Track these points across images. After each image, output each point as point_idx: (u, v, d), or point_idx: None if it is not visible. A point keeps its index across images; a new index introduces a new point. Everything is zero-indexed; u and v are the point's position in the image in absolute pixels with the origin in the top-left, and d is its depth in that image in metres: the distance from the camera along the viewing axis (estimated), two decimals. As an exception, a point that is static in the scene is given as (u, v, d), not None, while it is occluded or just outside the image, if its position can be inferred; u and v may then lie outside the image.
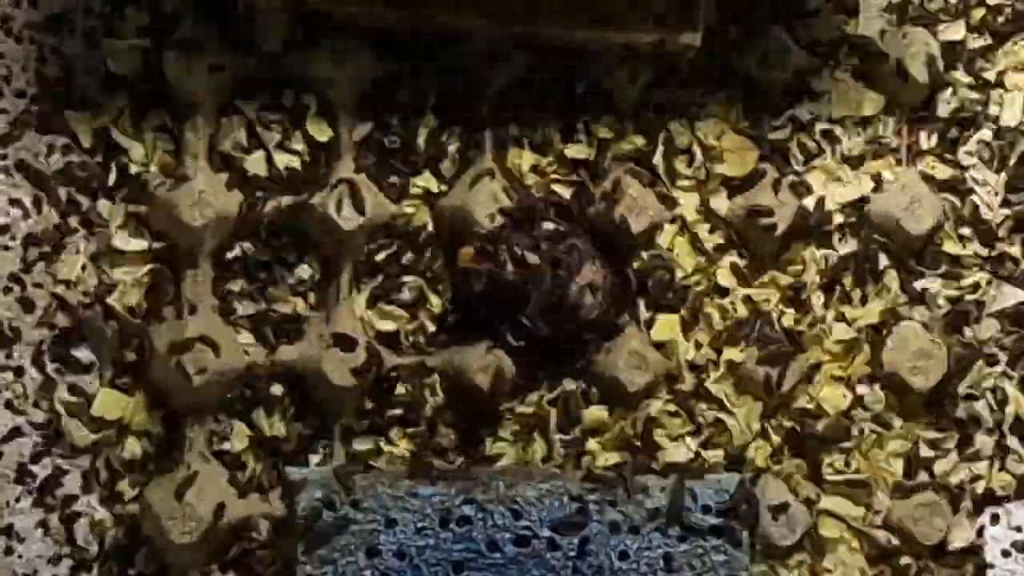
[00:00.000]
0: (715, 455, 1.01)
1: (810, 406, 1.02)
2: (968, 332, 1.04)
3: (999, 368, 1.04)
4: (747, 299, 1.02)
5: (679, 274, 1.02)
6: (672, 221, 1.02)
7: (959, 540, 1.03)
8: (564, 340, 0.99)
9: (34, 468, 1.01)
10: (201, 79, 1.02)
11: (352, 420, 1.01)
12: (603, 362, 1.00)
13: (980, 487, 1.03)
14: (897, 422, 1.03)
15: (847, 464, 1.02)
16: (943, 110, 1.05)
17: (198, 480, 0.99)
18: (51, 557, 1.01)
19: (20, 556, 1.01)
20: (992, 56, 1.06)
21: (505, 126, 1.03)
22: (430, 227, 1.02)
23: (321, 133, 1.02)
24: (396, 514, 0.97)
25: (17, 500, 1.01)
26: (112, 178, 1.03)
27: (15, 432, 1.01)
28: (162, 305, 1.02)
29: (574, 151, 1.02)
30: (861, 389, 1.03)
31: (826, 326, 1.02)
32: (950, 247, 1.04)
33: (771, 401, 1.01)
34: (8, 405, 1.01)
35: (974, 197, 1.05)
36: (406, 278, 1.01)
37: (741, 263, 1.02)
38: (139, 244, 1.02)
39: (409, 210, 1.02)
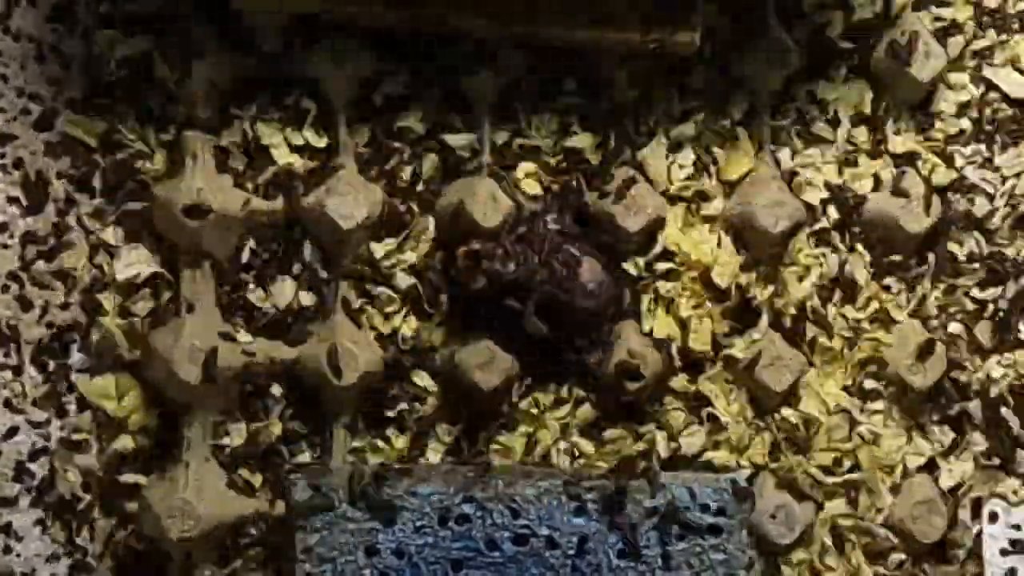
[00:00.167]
0: (714, 454, 1.01)
1: (809, 405, 1.02)
2: (967, 331, 1.04)
3: (998, 368, 1.04)
4: (746, 298, 1.02)
5: (678, 273, 1.02)
6: (670, 220, 1.02)
7: (958, 539, 1.03)
8: (564, 340, 1.00)
9: (32, 467, 1.01)
10: (201, 79, 1.02)
11: (352, 419, 1.01)
12: (602, 361, 1.00)
13: (979, 486, 1.03)
14: (896, 421, 1.03)
15: (846, 463, 1.02)
16: (943, 109, 1.06)
17: (197, 479, 0.99)
18: (50, 556, 1.01)
19: (19, 555, 1.01)
20: (993, 54, 1.06)
21: (504, 126, 1.03)
22: (430, 227, 1.02)
23: (320, 133, 1.03)
24: (395, 513, 0.97)
25: (16, 498, 1.01)
26: (111, 177, 1.03)
27: (14, 431, 1.01)
28: (161, 304, 1.02)
29: (573, 151, 1.03)
30: (860, 388, 1.03)
31: (825, 325, 1.03)
32: (949, 246, 1.05)
33: (770, 399, 1.01)
34: (7, 404, 1.01)
35: (973, 196, 1.05)
36: (406, 277, 1.01)
37: (740, 262, 1.03)
38: (138, 244, 1.02)
39: (408, 210, 1.02)
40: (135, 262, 1.02)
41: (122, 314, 1.01)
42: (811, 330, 1.03)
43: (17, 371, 1.01)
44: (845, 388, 1.03)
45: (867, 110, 1.05)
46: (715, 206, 1.03)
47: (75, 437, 1.01)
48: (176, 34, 1.02)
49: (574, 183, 1.02)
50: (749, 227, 1.02)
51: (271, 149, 1.02)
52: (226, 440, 1.00)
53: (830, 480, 1.01)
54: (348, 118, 1.03)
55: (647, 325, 1.01)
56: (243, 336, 1.01)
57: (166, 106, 1.03)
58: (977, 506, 1.03)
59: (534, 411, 1.01)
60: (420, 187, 1.03)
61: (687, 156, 1.04)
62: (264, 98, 1.03)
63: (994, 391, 1.04)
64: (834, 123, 1.05)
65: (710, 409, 1.01)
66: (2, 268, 1.02)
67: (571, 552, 0.98)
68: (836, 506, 1.02)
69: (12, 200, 1.03)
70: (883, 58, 1.04)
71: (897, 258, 1.04)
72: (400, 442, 1.01)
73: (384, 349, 1.01)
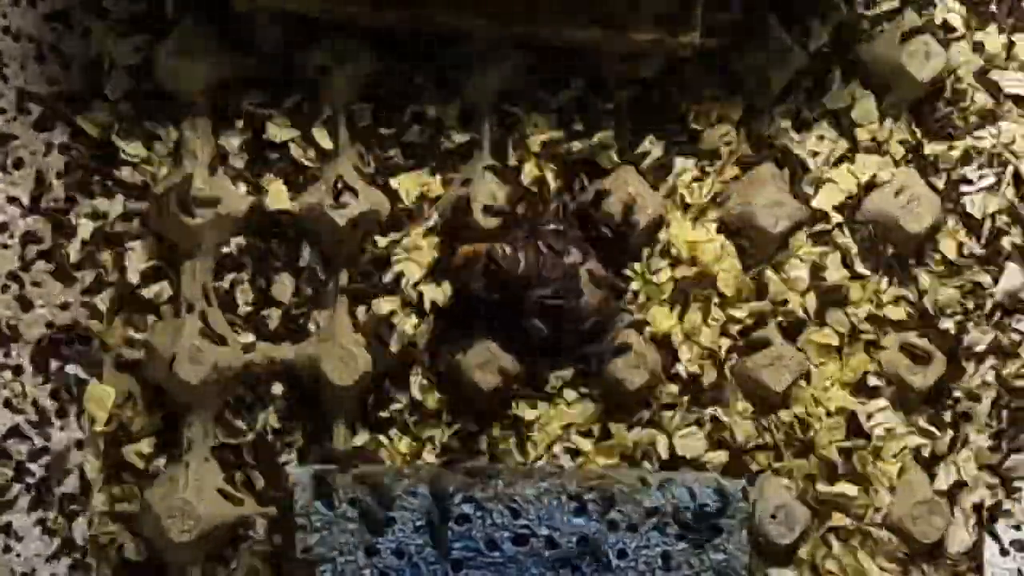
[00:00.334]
0: (714, 454, 1.01)
1: (809, 405, 1.02)
2: (967, 331, 1.04)
3: (998, 367, 1.04)
4: (746, 298, 1.02)
5: (678, 273, 1.02)
6: (671, 220, 1.02)
7: (958, 539, 1.03)
8: (564, 339, 1.00)
9: (32, 466, 1.01)
10: (201, 79, 1.02)
11: (352, 419, 1.01)
12: (602, 361, 1.00)
13: (978, 486, 1.03)
14: (896, 421, 1.03)
15: (846, 463, 1.02)
16: (943, 108, 1.06)
17: (197, 479, 0.99)
18: (49, 555, 1.01)
19: (18, 555, 1.01)
20: (991, 53, 1.06)
21: (504, 125, 1.03)
22: (430, 227, 1.02)
23: (320, 132, 1.03)
24: (395, 512, 0.97)
25: (15, 498, 1.01)
26: (111, 177, 1.03)
27: (14, 430, 1.01)
28: (161, 304, 1.02)
29: (573, 150, 1.03)
30: (860, 388, 1.03)
31: (825, 325, 1.03)
32: (948, 246, 1.05)
33: (771, 400, 1.01)
34: (7, 404, 1.01)
35: (972, 196, 1.05)
36: (406, 277, 1.01)
37: (740, 262, 1.03)
38: (138, 243, 1.02)
39: (408, 209, 1.02)
40: (135, 262, 1.02)
41: (122, 314, 1.01)
42: (811, 330, 1.03)
43: (17, 371, 1.02)
44: (845, 388, 1.03)
45: (867, 110, 1.05)
46: (715, 206, 1.03)
47: (75, 437, 1.01)
48: (176, 34, 1.02)
49: (574, 183, 1.02)
50: (749, 227, 1.02)
51: (271, 149, 1.02)
52: (226, 440, 1.00)
53: (830, 480, 1.01)
54: (348, 118, 1.03)
55: (647, 325, 1.01)
56: (243, 336, 1.01)
57: (166, 106, 1.03)
58: (977, 506, 1.03)
59: (534, 411, 1.01)
60: (420, 186, 1.03)
61: (687, 156, 1.04)
62: (264, 98, 1.03)
63: (994, 391, 1.04)
64: (834, 123, 1.05)
65: (711, 409, 1.01)
66: (2, 268, 1.02)
67: (571, 552, 0.98)
68: (836, 506, 1.02)
69: (12, 200, 1.03)
70: (883, 57, 1.04)
71: (897, 258, 1.04)
72: (400, 442, 1.01)
73: (384, 349, 1.01)
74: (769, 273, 1.03)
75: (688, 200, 1.03)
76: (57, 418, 1.01)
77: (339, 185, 1.01)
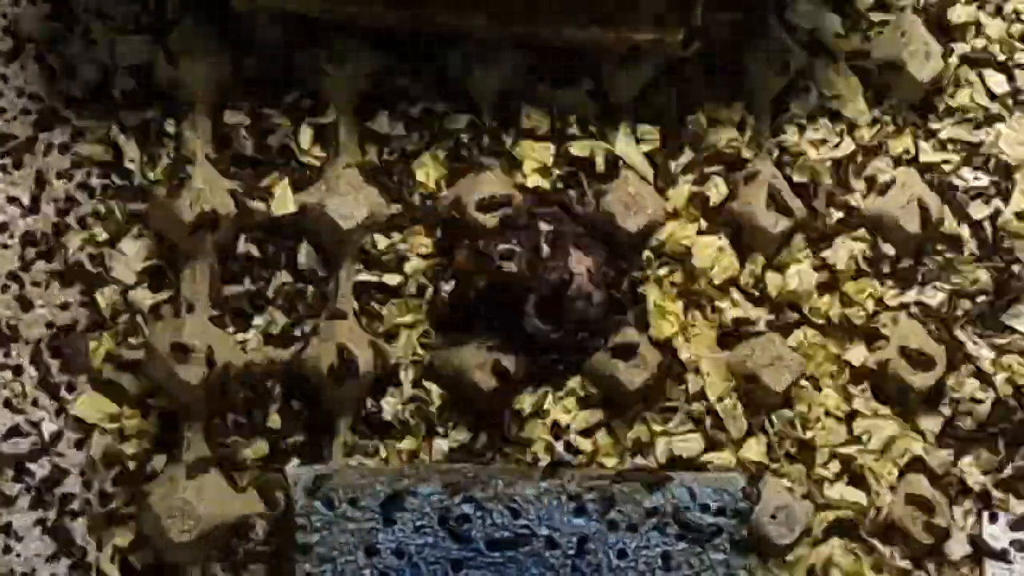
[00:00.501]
0: (714, 454, 1.01)
1: (809, 405, 1.02)
2: (967, 331, 1.04)
3: (998, 367, 1.04)
4: (745, 298, 1.02)
5: (677, 273, 1.02)
6: (670, 220, 1.02)
7: (957, 539, 1.03)
8: (563, 339, 1.00)
9: (32, 466, 1.01)
10: (201, 79, 1.02)
11: (351, 419, 1.01)
12: (602, 361, 1.00)
13: (978, 487, 1.03)
14: (896, 421, 1.03)
15: (846, 463, 1.02)
16: (942, 108, 1.06)
17: (197, 479, 0.99)
18: (49, 555, 1.01)
19: (18, 555, 1.01)
20: (991, 53, 1.07)
21: (504, 126, 1.03)
22: (430, 226, 1.02)
23: (320, 132, 1.03)
24: (395, 513, 0.97)
25: (16, 498, 1.01)
26: (111, 177, 1.03)
27: (14, 431, 1.01)
28: (161, 304, 1.02)
29: (573, 150, 1.03)
30: (860, 388, 1.03)
31: (825, 325, 1.03)
32: (948, 246, 1.05)
33: (770, 400, 1.01)
34: (7, 404, 1.01)
35: (972, 196, 1.05)
36: (406, 277, 1.01)
37: (739, 262, 1.03)
38: (138, 243, 1.02)
39: (408, 209, 1.02)
40: (135, 262, 1.02)
41: (122, 314, 1.01)
42: (811, 330, 1.03)
43: (17, 371, 1.02)
44: (845, 388, 1.03)
45: (867, 110, 1.05)
46: (715, 206, 1.03)
47: (75, 437, 1.01)
48: (176, 34, 1.02)
49: (574, 183, 1.02)
50: (749, 227, 1.02)
51: (271, 149, 1.02)
52: (226, 440, 1.00)
53: (830, 480, 1.01)
54: (348, 118, 1.03)
55: (647, 325, 1.01)
56: (243, 336, 1.01)
57: (166, 106, 1.03)
58: (978, 507, 1.03)
59: (534, 411, 1.01)
60: (420, 187, 1.03)
61: (687, 156, 1.04)
62: (264, 98, 1.03)
63: (994, 392, 1.04)
64: (834, 123, 1.05)
65: (711, 409, 1.01)
66: (2, 268, 1.02)
67: (571, 552, 0.98)
68: (836, 506, 1.01)
69: (12, 200, 1.03)
70: (883, 57, 1.04)
71: (897, 258, 1.04)
72: (400, 442, 1.01)
73: (384, 349, 1.01)
74: (769, 273, 1.03)
75: (688, 200, 1.03)
76: (57, 418, 1.01)
77: (339, 184, 1.01)
